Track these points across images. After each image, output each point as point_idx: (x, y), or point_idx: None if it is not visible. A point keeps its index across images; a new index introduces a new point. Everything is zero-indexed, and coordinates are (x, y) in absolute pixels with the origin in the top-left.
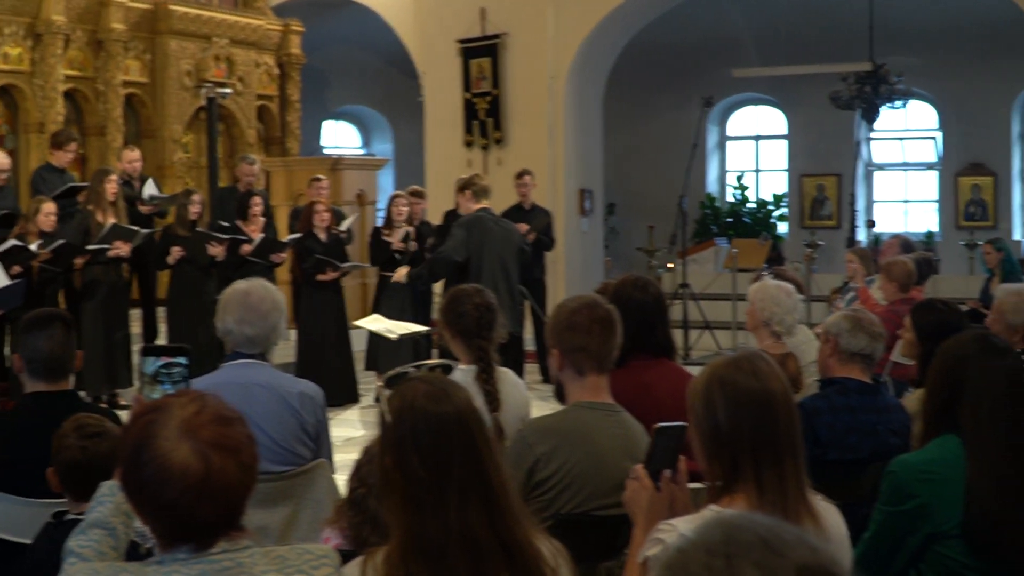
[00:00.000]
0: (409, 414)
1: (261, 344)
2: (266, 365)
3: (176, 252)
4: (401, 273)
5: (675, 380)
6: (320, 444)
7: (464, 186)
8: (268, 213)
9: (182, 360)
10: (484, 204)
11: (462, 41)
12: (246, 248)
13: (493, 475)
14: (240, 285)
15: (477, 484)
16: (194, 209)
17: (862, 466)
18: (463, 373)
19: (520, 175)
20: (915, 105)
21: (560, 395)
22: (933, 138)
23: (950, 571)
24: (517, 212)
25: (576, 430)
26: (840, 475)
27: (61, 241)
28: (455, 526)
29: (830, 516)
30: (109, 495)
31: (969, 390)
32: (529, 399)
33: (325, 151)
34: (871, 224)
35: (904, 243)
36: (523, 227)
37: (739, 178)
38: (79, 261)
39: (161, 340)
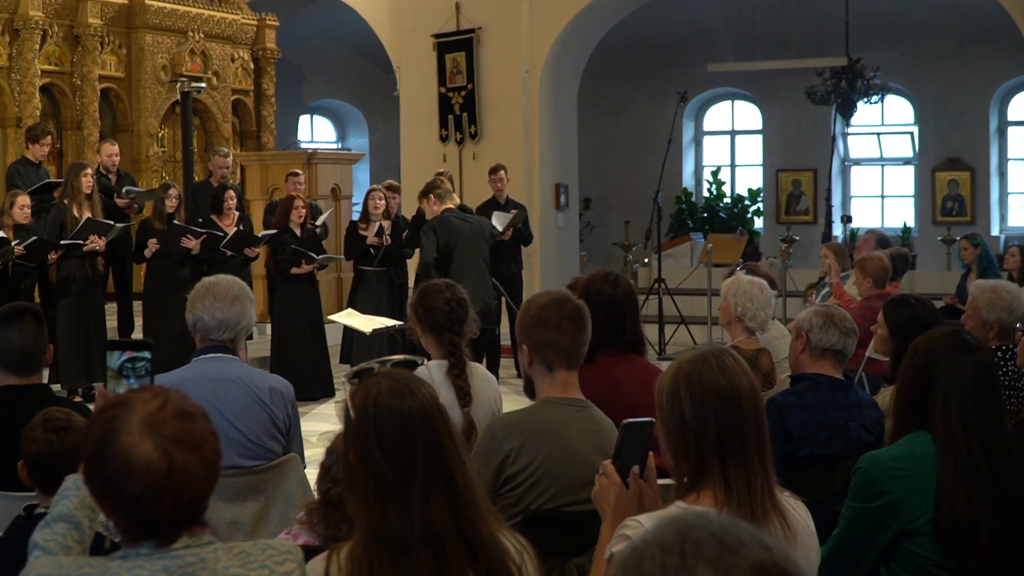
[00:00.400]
0: (373, 410)
1: (231, 329)
2: (236, 359)
3: (152, 245)
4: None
5: (644, 375)
6: (291, 439)
7: (426, 192)
8: (241, 207)
9: (146, 354)
10: (450, 204)
11: (437, 36)
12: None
13: (457, 471)
14: (206, 279)
15: (441, 480)
16: (171, 203)
17: (833, 463)
18: (434, 368)
19: (494, 170)
20: (892, 100)
21: (530, 390)
22: (910, 133)
23: (920, 569)
24: (492, 207)
25: (546, 426)
26: (811, 472)
27: (34, 238)
28: (419, 522)
29: (798, 513)
30: (74, 489)
31: (940, 387)
32: (501, 394)
33: (301, 145)
34: (847, 219)
35: (879, 238)
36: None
37: (715, 173)
38: (53, 256)
39: (137, 334)
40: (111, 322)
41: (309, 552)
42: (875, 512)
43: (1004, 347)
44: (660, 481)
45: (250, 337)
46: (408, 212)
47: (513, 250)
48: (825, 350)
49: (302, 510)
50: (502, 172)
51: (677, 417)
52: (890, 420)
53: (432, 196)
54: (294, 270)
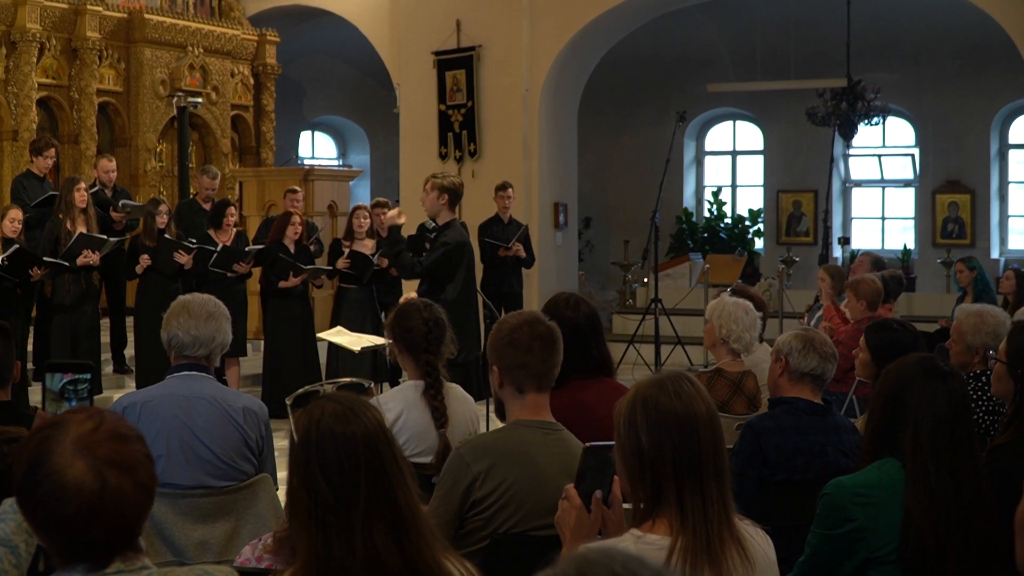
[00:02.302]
0: (315, 434)
1: (206, 346)
2: (210, 378)
3: (144, 261)
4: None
5: (614, 398)
6: (263, 459)
7: (442, 188)
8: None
9: (87, 376)
10: (455, 215)
11: (437, 53)
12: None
13: (402, 496)
14: (181, 297)
15: (385, 506)
16: (161, 219)
17: (810, 487)
18: (410, 388)
19: (502, 187)
20: (892, 122)
21: (500, 413)
22: (911, 155)
23: None
24: (495, 224)
25: (515, 448)
26: (787, 496)
27: (16, 246)
28: (361, 548)
29: (757, 542)
30: (11, 512)
31: (911, 413)
32: (478, 415)
33: (302, 162)
34: (844, 241)
35: (874, 260)
36: (519, 250)
37: (716, 193)
38: (37, 272)
39: (129, 349)
40: (104, 337)
41: None
42: (840, 539)
43: (989, 372)
44: (626, 506)
45: (244, 353)
46: (406, 229)
47: (515, 269)
48: (804, 374)
49: (271, 532)
50: (510, 190)
51: (633, 443)
52: None
53: (447, 196)
54: (282, 283)
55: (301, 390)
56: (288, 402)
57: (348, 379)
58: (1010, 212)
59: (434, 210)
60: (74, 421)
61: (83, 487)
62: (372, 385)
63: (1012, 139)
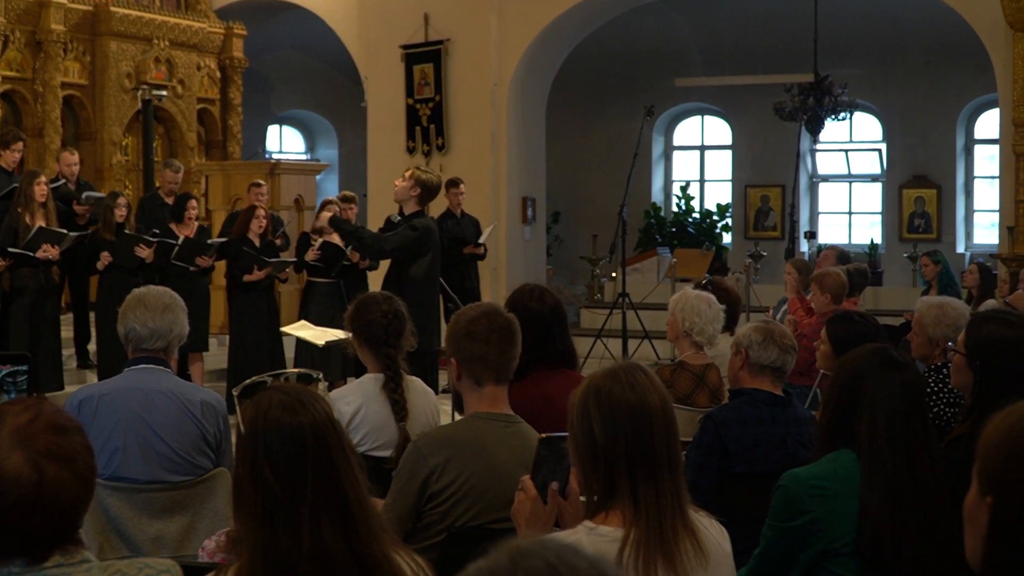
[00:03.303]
0: (263, 425)
1: (164, 338)
2: (168, 372)
3: (105, 257)
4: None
5: None
6: (221, 454)
7: (417, 180)
8: (198, 217)
9: (24, 368)
10: (423, 208)
11: (405, 47)
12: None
13: (350, 489)
14: (136, 290)
15: (332, 498)
16: (120, 212)
17: (770, 479)
18: (370, 382)
19: (454, 183)
20: (860, 117)
21: (458, 405)
22: (878, 150)
23: None
24: (448, 220)
25: (472, 441)
26: (748, 488)
27: None
28: (308, 541)
29: (711, 533)
30: None
31: (866, 404)
32: (438, 408)
33: (270, 156)
34: (811, 235)
35: (840, 254)
36: (477, 249)
37: (684, 188)
38: (0, 263)
39: (92, 344)
40: (67, 332)
41: None
42: (796, 531)
43: (949, 364)
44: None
45: (207, 348)
46: (375, 223)
47: (472, 264)
48: (764, 367)
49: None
50: (462, 186)
51: (586, 434)
52: None
53: (419, 189)
54: (247, 277)
55: (248, 381)
56: (235, 393)
57: (296, 370)
58: (975, 207)
59: (402, 197)
60: (11, 413)
61: (20, 479)
62: (321, 376)
63: (978, 134)
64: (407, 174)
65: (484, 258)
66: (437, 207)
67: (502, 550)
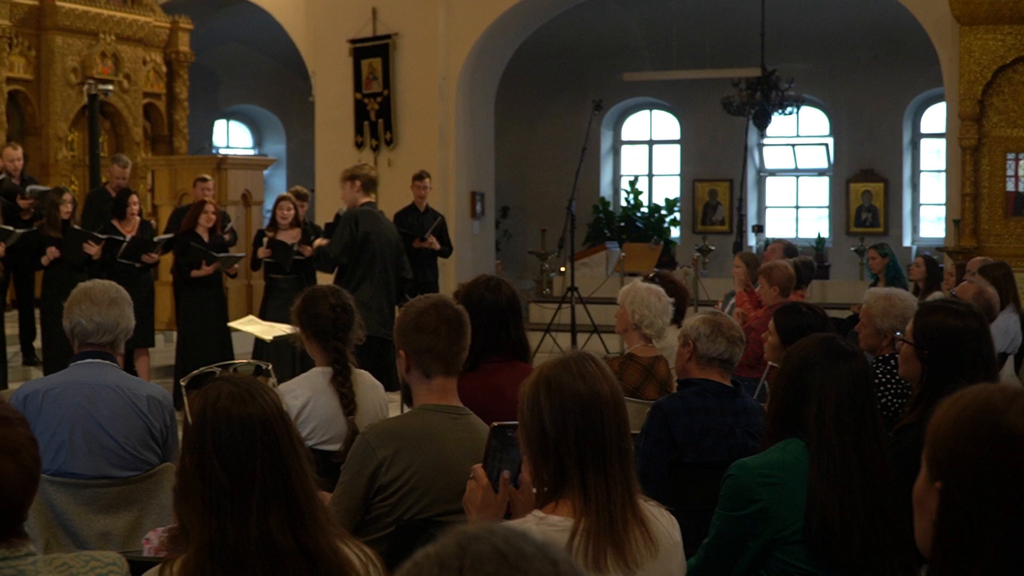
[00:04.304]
0: (211, 415)
1: (110, 332)
2: (114, 366)
3: (51, 252)
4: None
5: None
6: (168, 449)
7: (353, 176)
8: (140, 212)
9: None
10: (371, 198)
11: (353, 41)
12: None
13: (297, 481)
14: (82, 284)
15: (280, 490)
16: (66, 208)
17: (719, 469)
18: (318, 375)
19: (419, 176)
20: (806, 111)
21: (408, 397)
22: (825, 144)
23: None
24: (411, 214)
25: (421, 433)
26: (696, 478)
27: None
28: (255, 534)
29: (661, 523)
30: None
31: (813, 393)
32: (387, 402)
33: (218, 151)
34: (757, 229)
35: (787, 247)
36: (433, 243)
37: (632, 183)
38: None
39: (37, 341)
40: (12, 329)
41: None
42: (745, 520)
43: (897, 355)
44: None
45: (152, 344)
46: (325, 218)
47: (430, 259)
48: (712, 359)
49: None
50: (427, 180)
51: (536, 424)
52: None
53: (358, 182)
54: (195, 272)
55: (196, 371)
56: (183, 383)
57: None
58: (922, 201)
59: (352, 199)
60: None
61: None
62: (270, 367)
63: (924, 128)
64: (341, 179)
65: (445, 254)
66: (402, 200)
67: (450, 535)
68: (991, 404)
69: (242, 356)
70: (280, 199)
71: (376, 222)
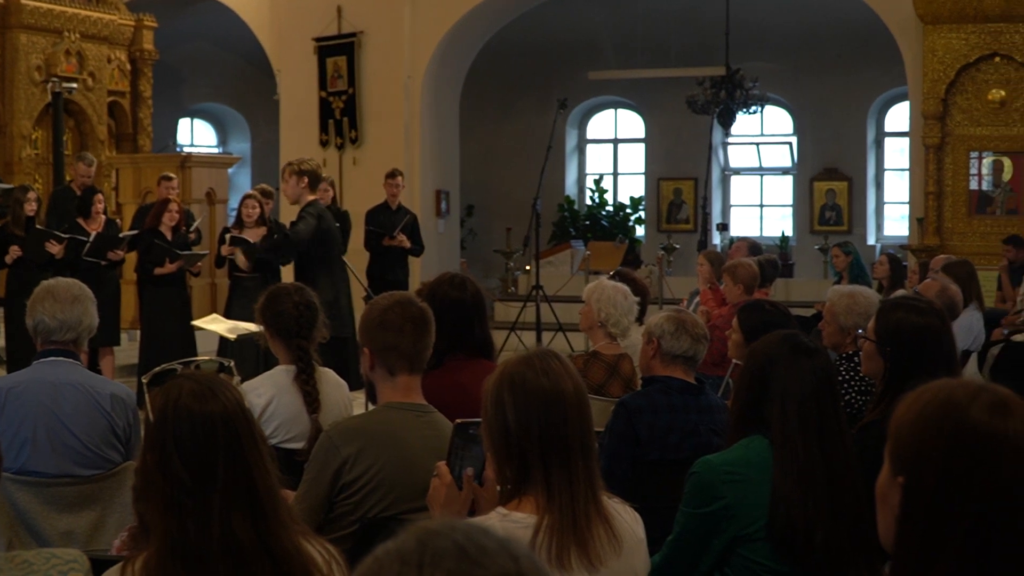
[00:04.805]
0: (172, 413)
1: (73, 329)
2: (78, 364)
3: (14, 251)
4: (239, 258)
5: None
6: (131, 447)
7: (302, 171)
8: (105, 211)
9: None
10: (317, 196)
11: (318, 39)
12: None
13: (260, 478)
14: (45, 283)
15: (242, 488)
16: (30, 207)
17: (683, 466)
18: (282, 373)
19: (391, 175)
20: (771, 110)
21: (371, 395)
22: (789, 143)
23: (754, 574)
24: (383, 212)
25: (385, 431)
26: (661, 475)
27: None
28: (217, 531)
29: (624, 519)
30: None
31: (777, 390)
32: (351, 400)
33: (182, 149)
34: (722, 227)
35: (751, 246)
36: (403, 241)
37: (598, 181)
38: None
39: (0, 340)
40: None
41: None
42: (709, 517)
43: (860, 352)
44: None
45: (117, 343)
46: (288, 217)
47: (400, 257)
48: (676, 356)
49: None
50: (399, 178)
51: (500, 421)
52: None
53: (307, 179)
54: (158, 270)
55: (158, 368)
56: (144, 381)
57: (207, 358)
58: (886, 199)
59: (295, 196)
60: None
61: None
62: (232, 364)
63: (888, 127)
64: (285, 173)
65: (416, 253)
66: (366, 198)
67: (410, 531)
68: (954, 399)
69: (206, 355)
70: (245, 197)
71: (332, 221)
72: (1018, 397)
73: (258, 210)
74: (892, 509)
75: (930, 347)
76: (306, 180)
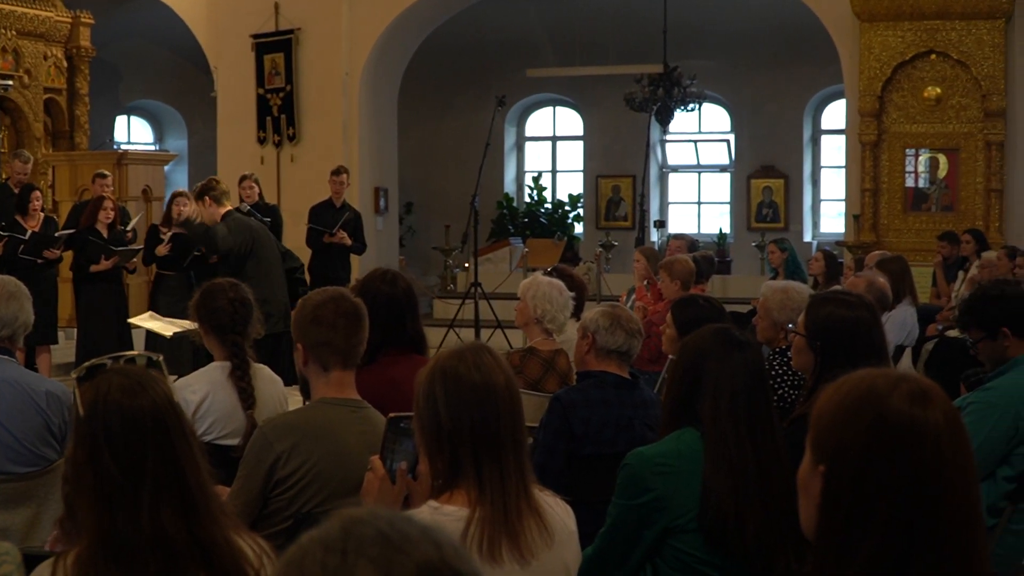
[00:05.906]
0: (102, 407)
1: (9, 326)
2: (13, 362)
3: None
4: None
5: None
6: (66, 445)
7: (201, 193)
8: (43, 208)
9: None
10: (228, 207)
11: (255, 36)
12: None
13: (190, 473)
14: None
15: (172, 482)
16: None
17: (618, 461)
18: (216, 370)
19: (337, 172)
20: (708, 108)
21: (306, 391)
22: (726, 141)
23: (686, 565)
24: (327, 209)
25: (319, 427)
26: (595, 470)
27: None
28: (147, 525)
29: (556, 512)
30: None
31: (709, 383)
32: (287, 396)
33: (119, 146)
34: (659, 224)
35: (689, 243)
36: (344, 238)
37: (536, 179)
38: None
39: None
40: None
41: None
42: (640, 509)
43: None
44: None
45: (55, 341)
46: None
47: (341, 255)
48: (611, 351)
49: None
50: (344, 175)
51: (432, 415)
52: None
53: (208, 198)
54: (94, 267)
55: (88, 363)
56: (74, 376)
57: (137, 352)
58: (822, 196)
59: (209, 216)
60: None
61: None
62: (161, 359)
63: (825, 125)
64: (190, 207)
65: (358, 250)
66: (304, 196)
67: (334, 519)
68: (875, 388)
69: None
70: (175, 195)
71: (247, 226)
72: (939, 388)
73: (187, 208)
74: (813, 498)
75: (859, 340)
76: (207, 199)
